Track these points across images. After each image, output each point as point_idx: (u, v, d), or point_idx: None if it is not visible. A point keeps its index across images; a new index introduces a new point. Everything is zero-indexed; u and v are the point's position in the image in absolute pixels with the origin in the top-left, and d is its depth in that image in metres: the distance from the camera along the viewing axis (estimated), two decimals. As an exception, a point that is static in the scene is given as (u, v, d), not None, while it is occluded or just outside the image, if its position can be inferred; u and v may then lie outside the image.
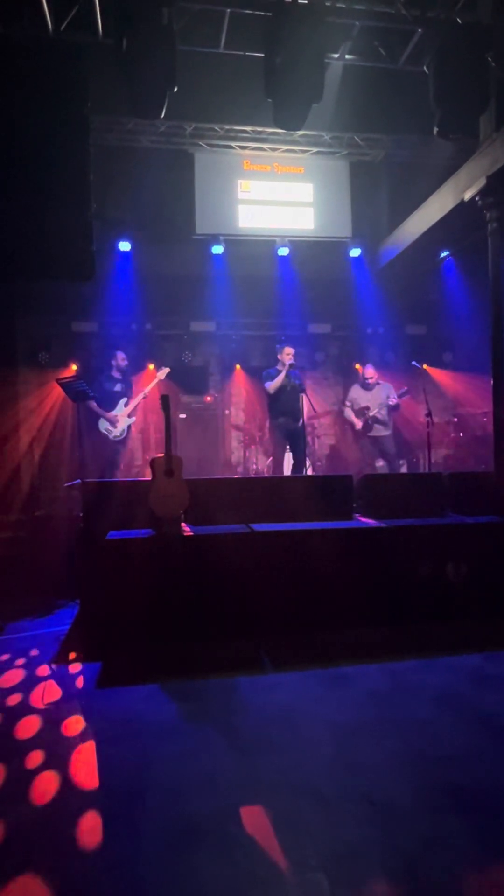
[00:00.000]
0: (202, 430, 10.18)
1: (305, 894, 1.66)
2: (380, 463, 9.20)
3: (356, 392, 8.05)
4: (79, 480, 5.19)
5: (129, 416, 7.35)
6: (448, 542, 4.28)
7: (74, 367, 9.29)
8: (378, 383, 7.95)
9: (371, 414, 7.79)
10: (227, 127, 8.45)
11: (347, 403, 8.08)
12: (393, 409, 7.94)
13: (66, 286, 8.42)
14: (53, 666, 3.46)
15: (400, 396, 7.78)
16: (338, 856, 1.80)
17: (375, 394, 7.87)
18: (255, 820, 1.99)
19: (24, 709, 2.89)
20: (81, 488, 4.68)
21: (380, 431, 7.89)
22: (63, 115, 5.22)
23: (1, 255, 5.04)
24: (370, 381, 7.93)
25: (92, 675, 3.31)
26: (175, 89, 5.30)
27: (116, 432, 7.27)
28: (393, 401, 7.72)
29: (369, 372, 7.99)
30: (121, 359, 7.49)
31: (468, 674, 3.20)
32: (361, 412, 7.85)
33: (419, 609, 4.06)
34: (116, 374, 7.47)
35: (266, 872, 1.75)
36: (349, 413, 8.00)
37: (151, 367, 9.51)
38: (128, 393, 7.41)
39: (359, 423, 7.85)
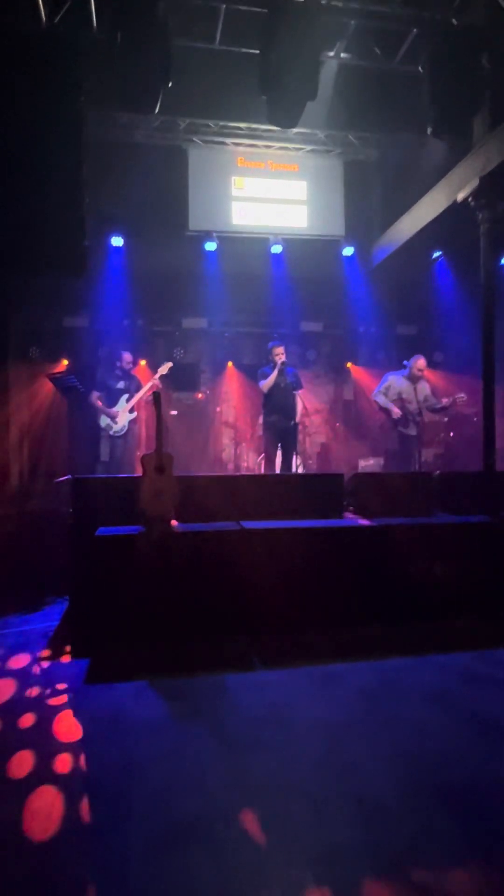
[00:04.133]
0: (193, 427, 10.18)
1: (294, 894, 1.67)
2: (370, 461, 9.23)
3: (398, 382, 7.22)
4: (69, 476, 5.16)
5: (130, 411, 7.39)
6: (438, 541, 4.30)
7: (65, 362, 9.25)
8: (423, 378, 7.26)
9: (412, 409, 7.11)
10: (222, 123, 8.45)
11: (382, 390, 7.23)
12: (436, 411, 7.44)
13: (57, 281, 8.39)
14: (41, 662, 3.45)
15: (456, 400, 7.02)
16: (326, 855, 1.81)
17: (420, 389, 7.20)
18: (243, 819, 1.99)
19: (11, 705, 2.88)
20: (72, 484, 4.66)
21: (411, 430, 7.21)
22: (56, 108, 5.19)
23: (-8, 249, 5.01)
24: (420, 372, 7.16)
25: (80, 671, 3.30)
26: (170, 84, 5.28)
27: (117, 428, 7.35)
28: (446, 401, 7.07)
29: (421, 363, 7.20)
30: (126, 360, 7.59)
31: (458, 673, 3.21)
32: (402, 404, 7.11)
33: (409, 608, 4.07)
34: (120, 372, 7.55)
35: (255, 872, 1.75)
36: (382, 399, 7.18)
37: (143, 363, 9.48)
38: (131, 389, 7.46)
39: (397, 412, 7.06)
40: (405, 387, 7.16)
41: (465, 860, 1.79)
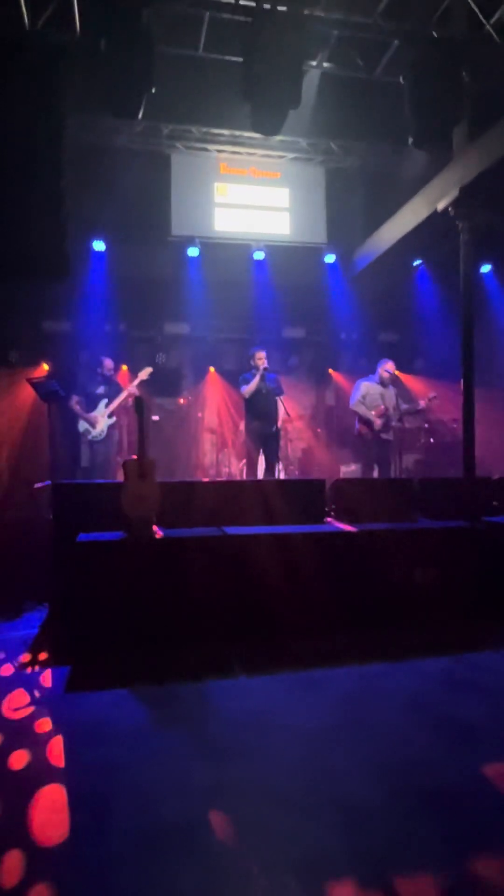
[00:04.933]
0: (175, 433, 10.15)
1: (275, 899, 1.66)
2: (351, 467, 9.27)
3: (371, 388, 7.28)
4: (49, 482, 5.12)
5: (109, 416, 7.35)
6: (418, 547, 4.33)
7: (46, 366, 9.19)
8: (392, 382, 7.35)
9: (388, 413, 7.19)
10: (205, 129, 8.47)
11: (360, 399, 7.25)
12: (412, 414, 7.48)
13: (38, 285, 8.34)
14: (20, 670, 3.41)
15: (430, 401, 7.20)
16: (307, 860, 1.80)
17: (391, 393, 7.31)
18: (224, 826, 1.98)
19: (-9, 714, 2.84)
20: (52, 489, 4.62)
21: (389, 435, 7.30)
22: (39, 113, 5.17)
23: (-27, 252, 4.97)
24: (387, 374, 7.23)
25: (60, 679, 3.26)
26: (153, 90, 5.29)
27: (95, 433, 7.30)
28: (422, 404, 7.20)
29: (388, 366, 7.27)
30: (107, 366, 7.57)
31: (438, 677, 3.24)
32: (380, 411, 7.16)
33: (390, 613, 4.10)
34: (101, 378, 7.52)
35: (236, 878, 1.75)
36: (363, 409, 7.20)
37: (125, 368, 9.44)
38: (111, 395, 7.42)
39: (379, 423, 7.11)
40: (380, 391, 7.27)
41: (445, 863, 1.80)
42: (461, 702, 2.94)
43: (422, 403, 7.23)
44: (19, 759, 2.41)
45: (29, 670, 3.41)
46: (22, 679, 3.27)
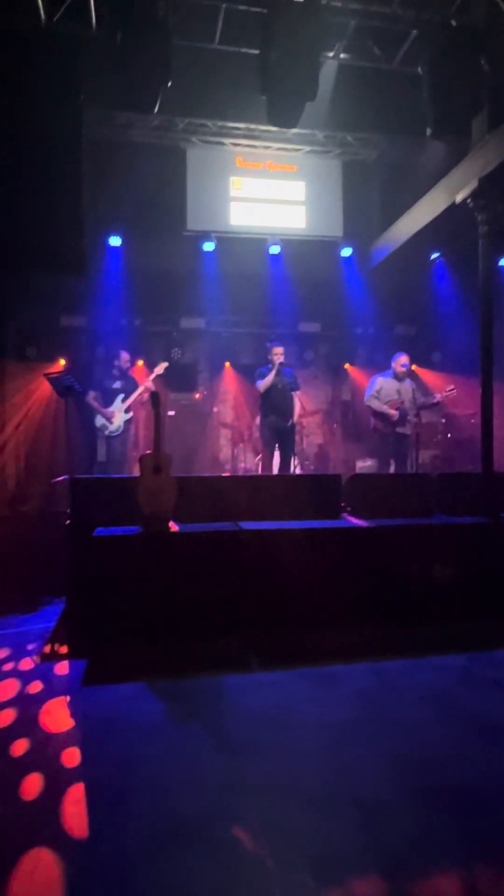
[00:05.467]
0: (191, 428, 10.16)
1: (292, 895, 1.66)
2: (367, 462, 9.22)
3: (386, 383, 7.20)
4: (66, 476, 5.15)
5: (126, 411, 7.36)
6: (436, 543, 4.29)
7: (63, 361, 9.23)
8: (409, 376, 7.30)
9: (405, 407, 7.07)
10: (220, 123, 8.42)
11: (374, 394, 7.18)
12: (428, 408, 7.36)
13: (54, 280, 8.37)
14: (38, 663, 3.43)
15: (447, 394, 7.06)
16: (325, 857, 1.80)
17: (408, 387, 7.19)
18: (241, 821, 1.98)
19: (8, 706, 2.86)
20: (69, 484, 4.64)
21: (406, 429, 7.17)
22: (55, 108, 5.18)
23: (-9, 248, 4.99)
24: (402, 369, 7.17)
25: (77, 672, 3.28)
26: (169, 84, 5.27)
27: (112, 428, 7.33)
28: (438, 398, 7.09)
29: (402, 360, 7.20)
30: (124, 359, 7.59)
31: (455, 674, 3.21)
32: (395, 403, 7.06)
33: (406, 609, 4.07)
34: (117, 372, 7.54)
35: (253, 874, 1.74)
36: (377, 403, 7.13)
37: (141, 363, 9.47)
38: (127, 390, 7.44)
39: (394, 413, 7.01)
40: (396, 386, 7.19)
41: (467, 861, 1.78)
42: (480, 699, 2.92)
43: (438, 397, 7.12)
44: (38, 752, 2.43)
45: (47, 663, 3.44)
46: (40, 672, 3.30)
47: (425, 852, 1.81)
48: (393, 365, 7.22)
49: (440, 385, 9.54)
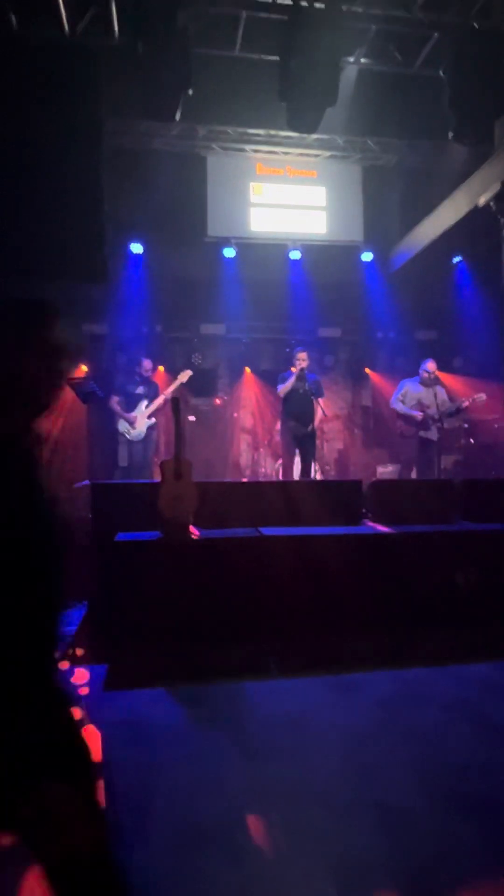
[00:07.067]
0: (211, 433, 10.19)
1: (314, 905, 1.64)
2: (388, 468, 9.16)
3: (414, 388, 7.21)
4: (87, 482, 5.19)
5: (149, 417, 7.40)
6: (458, 549, 4.24)
7: (85, 368, 9.32)
8: (436, 381, 7.24)
9: (431, 413, 7.05)
10: (241, 130, 8.47)
11: (399, 397, 7.22)
12: (453, 415, 7.29)
13: (76, 287, 8.45)
14: (59, 667, 3.45)
15: (475, 400, 6.94)
16: (346, 864, 1.78)
17: (438, 393, 7.16)
18: (262, 826, 1.97)
19: (31, 710, 2.88)
20: (91, 489, 4.68)
21: (431, 434, 7.12)
22: (77, 117, 5.25)
23: (14, 256, 5.06)
24: (429, 375, 7.12)
25: (98, 677, 3.29)
26: (190, 92, 5.31)
27: (134, 433, 7.36)
28: (466, 402, 6.99)
29: (430, 366, 7.17)
30: (146, 367, 7.63)
31: (478, 682, 3.16)
32: (422, 409, 7.06)
33: (428, 616, 4.02)
34: (139, 378, 7.58)
35: (274, 879, 1.73)
36: (401, 407, 7.16)
37: (161, 369, 9.52)
38: (150, 395, 7.48)
39: (420, 415, 7.04)
40: (422, 392, 7.15)
41: (491, 871, 1.75)
42: (502, 708, 2.87)
43: (465, 403, 7.00)
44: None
45: (67, 667, 3.46)
46: (61, 676, 3.31)
47: (449, 861, 1.78)
48: (420, 371, 7.18)
49: (461, 390, 9.44)
